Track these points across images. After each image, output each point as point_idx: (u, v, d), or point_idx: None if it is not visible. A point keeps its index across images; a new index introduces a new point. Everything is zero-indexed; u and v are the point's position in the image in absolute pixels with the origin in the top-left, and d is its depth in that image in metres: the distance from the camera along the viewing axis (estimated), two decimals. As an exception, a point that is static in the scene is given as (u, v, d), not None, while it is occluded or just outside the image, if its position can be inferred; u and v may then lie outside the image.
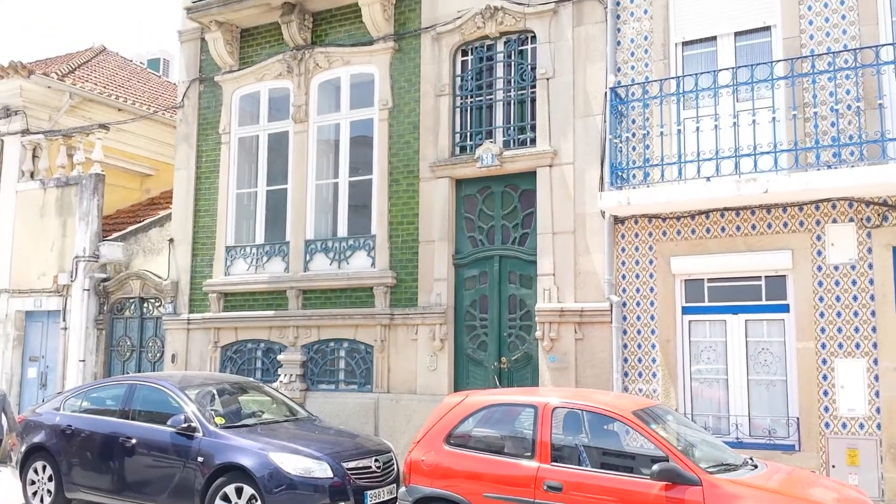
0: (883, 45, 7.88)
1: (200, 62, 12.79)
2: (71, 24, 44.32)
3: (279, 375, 11.24)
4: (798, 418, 8.22)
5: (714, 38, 9.12)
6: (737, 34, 8.99)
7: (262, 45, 12.25)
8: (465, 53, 10.83)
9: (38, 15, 44.70)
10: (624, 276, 9.23)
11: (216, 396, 8.91)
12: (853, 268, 8.14)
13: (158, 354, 12.80)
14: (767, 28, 8.85)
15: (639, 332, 9.08)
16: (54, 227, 13.89)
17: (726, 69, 8.58)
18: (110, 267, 13.52)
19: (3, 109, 14.68)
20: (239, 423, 8.45)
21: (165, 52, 23.27)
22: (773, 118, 8.14)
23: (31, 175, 14.51)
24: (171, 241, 12.68)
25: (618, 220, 9.30)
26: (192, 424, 8.12)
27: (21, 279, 14.15)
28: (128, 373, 12.90)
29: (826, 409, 8.10)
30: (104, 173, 13.88)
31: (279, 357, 11.30)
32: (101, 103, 15.28)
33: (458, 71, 10.82)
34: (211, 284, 12.03)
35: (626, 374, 9.07)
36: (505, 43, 10.52)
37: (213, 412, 8.44)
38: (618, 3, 9.61)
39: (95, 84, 15.72)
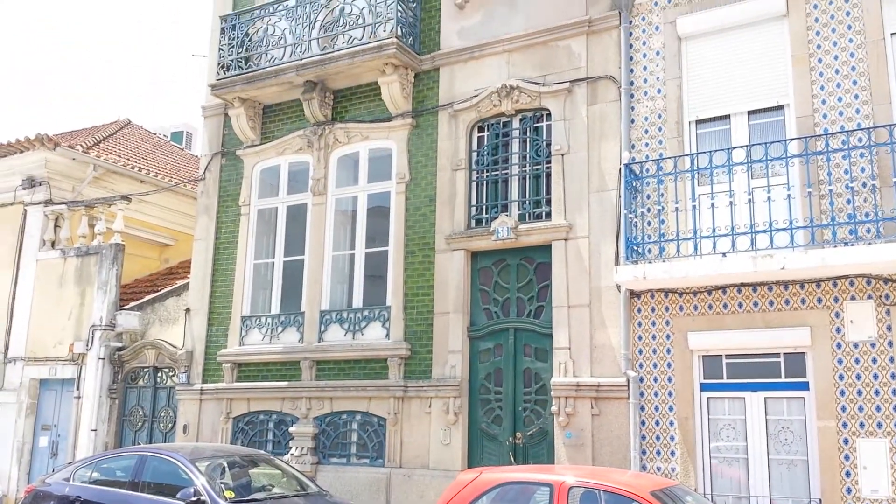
0: (896, 125, 7.97)
1: (223, 136, 13.10)
2: (99, 98, 45.62)
3: (290, 448, 11.11)
4: (820, 499, 8.01)
5: (728, 117, 9.27)
6: (750, 113, 9.13)
7: (284, 121, 12.54)
8: (481, 129, 11.04)
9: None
10: (641, 351, 9.16)
11: (227, 469, 8.80)
12: (873, 345, 8.05)
13: (170, 425, 12.71)
14: (781, 107, 8.99)
15: (656, 408, 8.95)
16: (72, 296, 14.02)
17: (740, 147, 8.68)
18: (126, 336, 13.58)
19: (27, 180, 15.00)
20: (249, 498, 8.33)
21: (189, 126, 23.86)
22: (789, 195, 8.20)
23: (52, 244, 14.72)
24: (187, 310, 12.74)
25: (634, 295, 9.28)
26: (202, 498, 8.00)
27: (37, 347, 14.20)
28: (139, 443, 12.80)
29: (848, 490, 7.89)
30: (124, 243, 14.08)
31: (291, 429, 11.19)
32: (123, 175, 15.61)
33: (475, 146, 11.01)
34: (225, 354, 12.03)
35: (643, 452, 8.90)
36: (520, 120, 10.72)
37: (223, 485, 8.33)
38: (631, 83, 9.81)
39: (119, 156, 16.08)
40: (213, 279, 12.59)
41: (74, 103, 45.65)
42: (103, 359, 13.36)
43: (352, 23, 11.38)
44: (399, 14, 11.07)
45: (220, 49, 12.49)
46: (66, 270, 14.23)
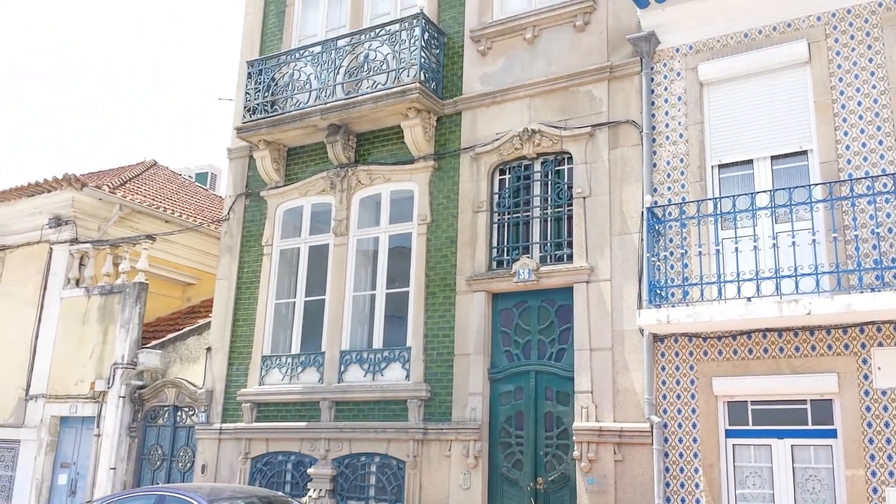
0: (920, 170, 7.96)
1: (247, 178, 13.27)
2: (127, 139, 46.41)
3: (308, 490, 11.02)
4: (851, 552, 7.82)
5: (750, 162, 9.28)
6: (773, 158, 9.14)
7: (307, 163, 12.70)
8: (502, 172, 11.12)
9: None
10: (664, 396, 9.07)
11: (245, 510, 8.75)
12: (902, 393, 7.92)
13: (189, 464, 12.67)
14: (804, 152, 9.00)
15: (681, 454, 8.83)
16: (95, 334, 14.12)
17: (764, 192, 8.68)
18: (147, 374, 13.62)
19: (54, 219, 15.23)
20: (268, 540, 8.26)
21: (213, 167, 24.19)
22: (814, 240, 8.16)
23: (77, 282, 14.88)
24: (208, 349, 12.79)
25: (657, 339, 9.22)
26: (221, 539, 7.95)
27: (59, 385, 14.28)
28: (157, 482, 12.76)
29: (881, 542, 7.70)
30: (147, 282, 14.21)
31: (309, 471, 11.12)
32: (149, 215, 15.82)
33: (496, 188, 11.08)
34: (245, 394, 12.03)
35: (668, 500, 8.76)
36: (542, 163, 10.79)
37: (242, 527, 8.28)
38: (653, 128, 9.87)
39: (145, 196, 16.32)
40: (235, 318, 12.65)
41: (103, 144, 46.47)
42: (124, 397, 13.40)
43: (376, 68, 11.58)
44: (423, 60, 11.25)
45: (247, 93, 12.72)
46: (90, 308, 14.36)
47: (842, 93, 8.87)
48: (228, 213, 13.28)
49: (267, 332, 12.31)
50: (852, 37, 8.97)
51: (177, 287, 16.67)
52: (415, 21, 11.35)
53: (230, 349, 12.55)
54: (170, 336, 14.04)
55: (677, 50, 9.95)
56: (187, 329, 14.04)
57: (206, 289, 16.05)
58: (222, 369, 12.51)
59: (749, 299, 8.28)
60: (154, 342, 13.98)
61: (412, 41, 11.30)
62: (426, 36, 11.43)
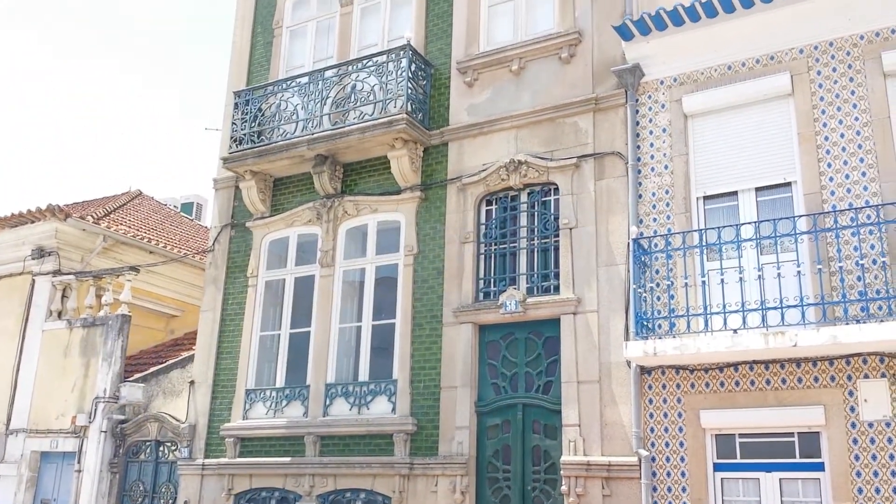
0: (905, 202, 7.99)
1: (233, 208, 13.20)
2: (112, 169, 46.31)
3: (293, 526, 10.83)
4: (842, 588, 7.71)
5: (735, 193, 9.31)
6: (758, 189, 9.18)
7: (294, 193, 12.65)
8: (489, 203, 11.10)
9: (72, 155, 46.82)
10: (652, 430, 8.98)
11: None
12: (888, 425, 7.88)
13: (171, 501, 12.43)
14: (788, 184, 9.03)
15: (669, 489, 8.73)
16: (77, 368, 13.92)
17: (749, 223, 8.69)
18: (129, 408, 13.41)
19: (37, 250, 15.08)
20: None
21: (199, 197, 24.13)
22: (799, 272, 8.16)
23: (59, 315, 14.70)
24: (191, 382, 12.62)
25: (644, 371, 9.16)
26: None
27: (39, 419, 14.04)
28: (138, 520, 12.51)
29: (872, 578, 7.60)
30: (131, 314, 14.05)
31: (294, 507, 10.93)
32: (133, 245, 15.70)
33: (483, 219, 11.05)
34: (228, 429, 11.85)
35: (656, 535, 8.64)
36: (528, 194, 10.79)
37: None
38: (638, 159, 9.90)
39: (129, 227, 16.20)
40: (219, 351, 12.51)
41: (88, 174, 46.34)
42: (105, 432, 13.17)
43: (363, 99, 11.59)
44: (409, 91, 11.28)
45: (233, 123, 12.70)
46: (72, 341, 14.17)
47: (825, 125, 8.93)
48: (213, 244, 13.19)
49: (251, 365, 12.16)
50: (834, 69, 9.05)
51: (160, 319, 16.49)
52: (402, 52, 11.40)
53: (214, 382, 12.38)
54: (153, 369, 13.86)
55: (662, 82, 10.02)
56: (171, 362, 13.87)
57: (190, 321, 15.89)
58: (205, 403, 12.33)
59: (735, 331, 8.25)
60: (137, 375, 13.79)
61: (399, 72, 11.33)
62: (413, 67, 11.47)
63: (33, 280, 15.08)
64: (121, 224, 16.10)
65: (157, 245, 16.05)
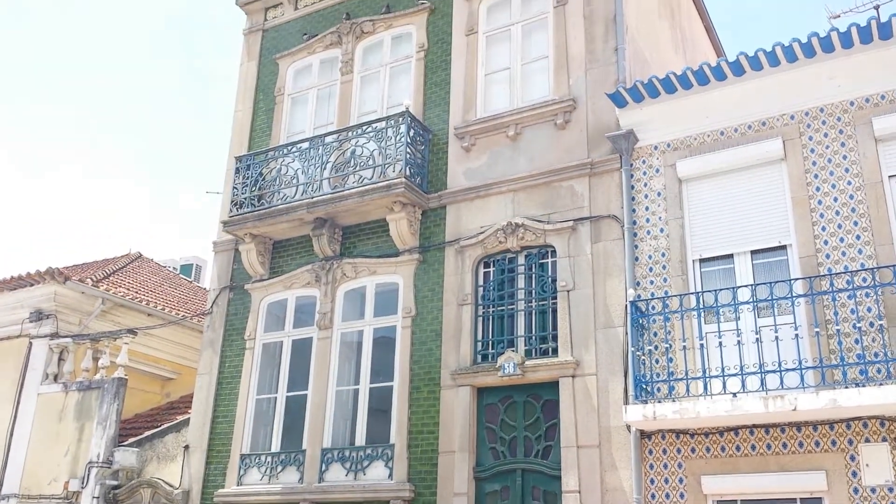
0: (899, 265, 8.04)
1: (232, 271, 13.25)
2: (114, 230, 46.58)
3: None
4: None
5: (731, 256, 9.38)
6: (753, 252, 9.25)
7: (293, 256, 12.72)
8: (487, 265, 11.16)
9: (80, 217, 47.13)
10: (653, 496, 8.85)
11: None
12: (891, 490, 7.78)
13: (163, 570, 12.14)
14: (783, 247, 9.11)
15: (671, 557, 8.55)
16: (71, 432, 13.75)
17: (745, 286, 8.74)
18: (122, 473, 13.20)
19: (35, 313, 15.04)
20: None
21: (198, 258, 24.21)
22: (796, 334, 8.16)
23: (55, 378, 14.58)
24: (186, 447, 12.46)
25: (644, 435, 9.07)
26: None
27: (32, 484, 13.80)
28: (128, 590, 12.19)
29: None
30: (127, 377, 13.95)
31: (289, 576, 10.68)
32: (131, 308, 15.67)
33: (481, 281, 11.09)
34: (223, 495, 11.65)
35: None
36: (526, 256, 10.86)
37: None
38: (634, 223, 10.00)
39: (128, 290, 16.21)
40: (215, 415, 12.39)
41: (89, 236, 46.57)
42: (98, 497, 12.93)
43: (362, 163, 11.76)
44: (408, 156, 11.45)
45: (234, 187, 12.85)
46: (67, 405, 14.03)
47: (818, 189, 9.05)
48: (212, 307, 13.19)
49: (247, 430, 12.03)
50: (826, 135, 9.23)
51: (156, 382, 16.37)
52: (401, 119, 11.61)
53: (208, 447, 12.23)
54: (147, 433, 13.68)
55: (655, 147, 10.19)
56: (165, 426, 13.71)
57: (186, 383, 15.76)
58: (200, 468, 12.15)
59: (735, 395, 8.20)
60: (131, 439, 13.62)
61: (398, 138, 11.53)
62: (412, 133, 11.67)
63: (30, 343, 15.00)
64: (120, 286, 16.12)
65: (156, 307, 16.03)
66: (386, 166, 11.46)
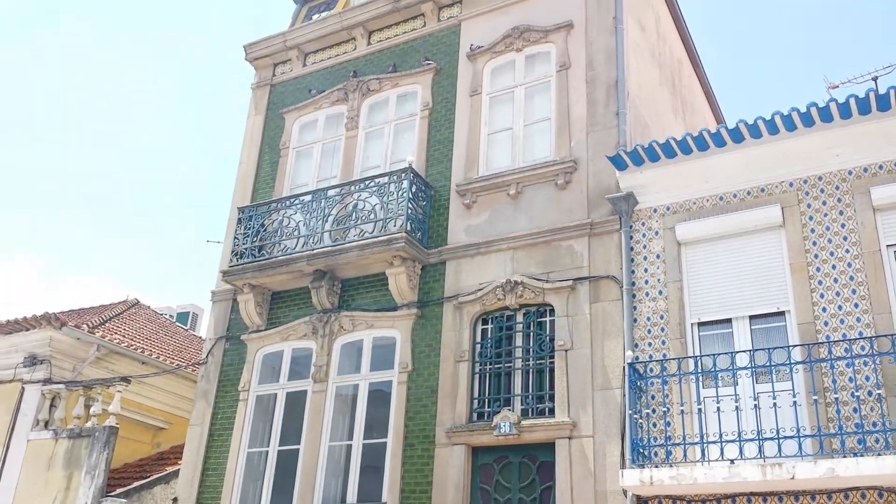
0: (898, 334, 8.04)
1: (229, 321, 13.21)
2: (110, 277, 46.55)
3: None
4: None
5: (729, 320, 9.38)
6: (752, 317, 9.25)
7: (291, 307, 12.70)
8: (485, 322, 11.14)
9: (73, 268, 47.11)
10: (648, 563, 8.67)
11: None
12: (893, 564, 7.63)
13: None
14: (782, 313, 9.12)
15: None
16: (59, 480, 13.51)
17: (744, 351, 8.71)
18: (108, 526, 12.94)
19: (29, 358, 14.92)
20: None
21: (195, 306, 24.14)
22: (795, 402, 8.11)
23: (46, 424, 14.40)
24: (174, 500, 12.25)
25: (641, 501, 8.92)
26: None
27: (16, 534, 13.52)
28: None
29: None
30: (118, 426, 13.78)
31: None
32: (125, 356, 15.55)
33: (478, 338, 11.06)
34: (210, 550, 11.42)
35: None
36: (524, 314, 10.85)
37: None
38: (633, 284, 10.02)
39: (123, 337, 16.13)
40: (205, 468, 12.20)
41: (89, 282, 46.53)
42: (81, 550, 12.66)
43: (364, 217, 11.84)
44: (409, 211, 11.54)
45: (235, 237, 12.90)
46: (57, 452, 13.82)
47: (816, 256, 9.10)
48: (207, 357, 13.12)
49: (237, 484, 11.83)
50: (824, 203, 9.32)
51: (147, 432, 16.16)
52: (403, 174, 11.73)
53: (197, 501, 12.00)
54: (136, 484, 13.45)
55: (655, 210, 10.28)
56: (154, 477, 13.50)
57: (177, 434, 15.56)
58: (187, 523, 11.92)
59: (732, 461, 8.11)
60: (119, 490, 13.36)
61: (400, 193, 11.63)
62: (414, 188, 11.78)
63: (23, 388, 14.84)
64: (115, 333, 16.03)
65: (150, 356, 15.92)
66: (387, 221, 11.54)
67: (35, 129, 45.67)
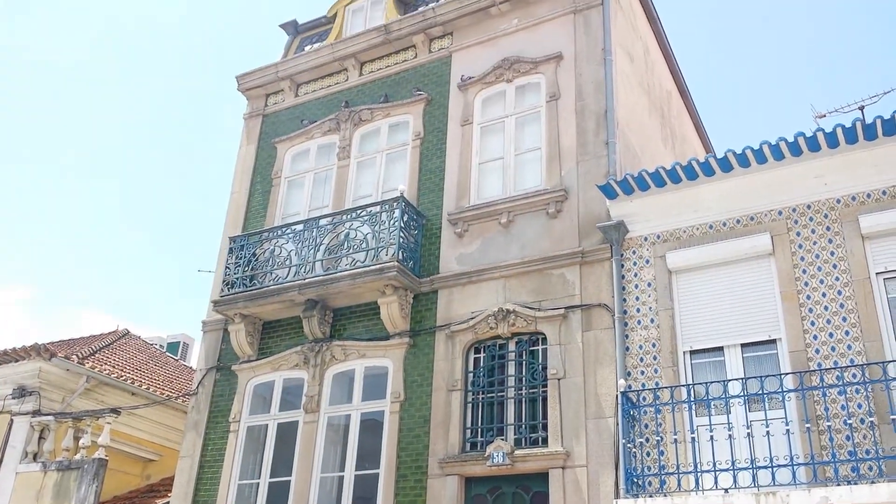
0: (890, 362, 8.07)
1: (220, 351, 13.15)
2: (100, 307, 46.28)
3: None
4: None
5: (721, 349, 9.39)
6: (743, 345, 9.27)
7: (282, 337, 12.66)
8: (477, 351, 11.12)
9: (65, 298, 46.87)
10: None
11: None
12: None
13: None
14: (773, 341, 9.14)
15: None
16: (47, 513, 13.34)
17: (736, 379, 8.71)
18: (95, 561, 12.75)
19: (18, 389, 14.78)
20: None
21: (186, 336, 24.02)
22: (787, 430, 8.11)
23: (35, 457, 14.23)
24: (164, 533, 12.11)
25: (635, 531, 8.86)
26: None
27: (0, 570, 13.30)
28: None
29: None
30: (108, 458, 13.63)
31: None
32: (115, 387, 15.42)
33: (471, 367, 11.03)
34: (200, 584, 11.25)
35: None
36: (517, 343, 10.84)
37: None
38: (625, 312, 10.04)
39: (113, 367, 16.00)
40: (195, 500, 12.05)
41: (79, 313, 46.24)
42: (68, 585, 12.45)
43: (356, 247, 11.85)
44: (401, 240, 11.56)
45: (227, 267, 12.88)
46: (45, 485, 13.64)
47: (806, 284, 9.15)
48: (198, 387, 13.03)
49: (228, 517, 11.70)
50: (813, 231, 9.38)
51: (137, 464, 15.98)
52: (395, 204, 11.77)
53: (188, 534, 11.87)
54: (125, 517, 13.30)
55: (646, 238, 10.33)
56: (144, 510, 13.34)
57: (167, 465, 15.40)
58: (178, 556, 11.75)
59: (727, 490, 8.08)
60: (108, 524, 13.21)
61: (392, 222, 11.66)
62: (405, 217, 11.81)
63: (11, 420, 14.68)
64: (105, 364, 15.91)
65: (140, 387, 15.79)
66: (379, 250, 11.55)
67: (19, 153, 45.67)
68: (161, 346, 22.24)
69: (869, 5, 39.95)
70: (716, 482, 8.27)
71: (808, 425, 8.16)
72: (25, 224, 45.89)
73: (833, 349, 8.70)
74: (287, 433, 11.95)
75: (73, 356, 15.07)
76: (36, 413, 14.55)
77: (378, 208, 11.93)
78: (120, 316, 47.53)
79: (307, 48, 16.05)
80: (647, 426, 9.27)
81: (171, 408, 16.02)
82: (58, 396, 14.91)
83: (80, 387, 14.94)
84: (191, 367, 19.66)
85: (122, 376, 15.70)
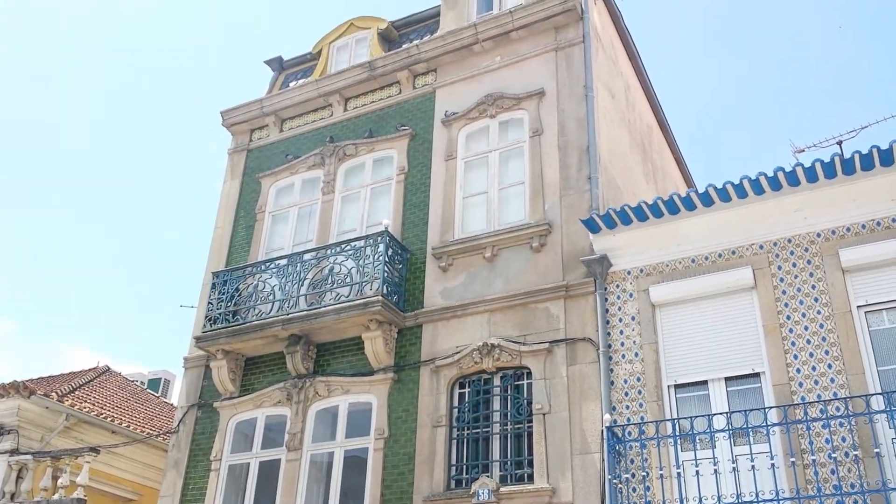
0: (873, 395, 8.09)
1: (202, 387, 12.98)
2: (81, 342, 45.72)
3: None
4: None
5: (706, 382, 9.39)
6: (727, 379, 9.27)
7: (265, 373, 12.52)
8: (462, 386, 11.05)
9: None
10: None
11: None
12: None
13: None
14: (757, 374, 9.15)
15: None
16: (22, 556, 13.01)
17: (720, 414, 8.70)
18: None
19: (-4, 427, 14.53)
20: None
21: (167, 373, 23.78)
22: (773, 464, 8.08)
23: (12, 497, 13.91)
24: (143, 575, 11.84)
25: (621, 568, 8.76)
26: None
27: None
28: None
29: None
30: (86, 498, 13.34)
31: None
32: (95, 425, 15.17)
33: (455, 402, 10.95)
34: None
35: None
36: (501, 377, 10.78)
37: None
38: (609, 346, 10.03)
39: (93, 405, 15.75)
40: (176, 541, 11.82)
41: (59, 350, 45.66)
42: None
43: (340, 281, 11.80)
44: (385, 274, 11.53)
45: (210, 302, 12.78)
46: (21, 527, 13.34)
47: (788, 317, 9.19)
48: (178, 425, 12.83)
49: (208, 558, 11.46)
50: (794, 264, 9.45)
51: (116, 503, 15.67)
52: (379, 238, 11.76)
53: (165, 578, 11.60)
54: (102, 560, 12.98)
55: (629, 272, 10.36)
56: (122, 552, 13.03)
57: (147, 505, 15.11)
58: None
59: (714, 527, 8.01)
60: (83, 567, 12.87)
61: (376, 256, 11.64)
62: (390, 252, 11.80)
63: (-13, 459, 14.40)
64: (85, 401, 15.66)
65: (120, 424, 15.53)
66: (363, 284, 11.51)
67: (1, 189, 45.41)
68: (142, 382, 21.99)
69: (847, 43, 40.82)
70: (702, 518, 8.21)
71: (792, 459, 8.14)
72: (6, 257, 45.50)
73: (816, 382, 8.72)
74: (269, 471, 11.76)
75: (53, 394, 14.84)
76: (14, 452, 14.24)
77: (362, 243, 11.91)
78: (101, 351, 47.03)
79: (292, 84, 16.14)
80: (632, 461, 9.21)
81: (151, 446, 15.76)
82: (37, 435, 14.63)
83: (60, 425, 14.68)
84: (172, 405, 19.40)
85: (102, 414, 15.46)
